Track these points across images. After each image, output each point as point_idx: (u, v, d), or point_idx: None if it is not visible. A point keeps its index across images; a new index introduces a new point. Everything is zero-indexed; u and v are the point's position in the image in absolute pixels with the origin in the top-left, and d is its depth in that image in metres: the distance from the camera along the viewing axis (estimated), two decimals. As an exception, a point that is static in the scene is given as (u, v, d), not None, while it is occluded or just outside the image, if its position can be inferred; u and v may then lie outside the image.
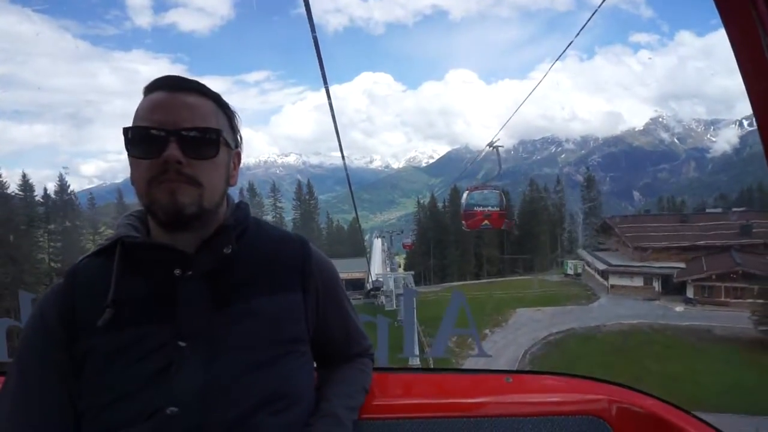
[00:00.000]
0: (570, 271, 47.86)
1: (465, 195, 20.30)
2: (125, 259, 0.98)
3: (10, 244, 36.15)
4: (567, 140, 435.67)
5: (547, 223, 68.04)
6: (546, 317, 32.36)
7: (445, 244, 65.44)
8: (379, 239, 44.09)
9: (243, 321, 0.98)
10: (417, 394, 1.42)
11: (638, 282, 36.84)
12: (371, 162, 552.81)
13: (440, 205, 76.29)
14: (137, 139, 0.93)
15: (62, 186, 47.50)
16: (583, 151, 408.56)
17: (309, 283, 1.09)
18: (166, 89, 0.96)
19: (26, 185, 43.54)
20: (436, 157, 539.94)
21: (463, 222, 20.01)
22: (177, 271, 0.96)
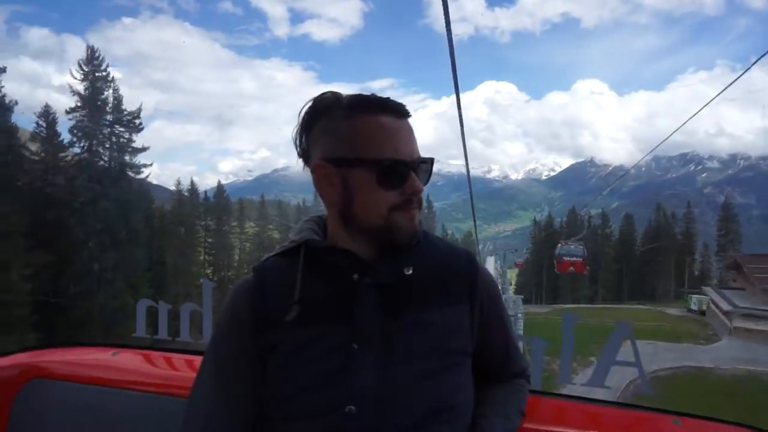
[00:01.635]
0: (694, 307, 45.50)
1: (558, 246, 27.57)
2: (308, 260, 1.04)
3: (182, 239, 43.66)
4: (710, 158, 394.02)
5: (674, 252, 64.17)
6: (658, 351, 31.83)
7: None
8: (492, 257, 45.63)
9: (415, 330, 1.00)
10: (571, 424, 1.35)
11: (765, 326, 34.77)
12: (489, 172, 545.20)
13: (559, 220, 75.21)
14: (388, 169, 0.98)
15: (220, 188, 55.47)
16: (730, 171, 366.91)
17: (476, 296, 1.09)
18: (392, 114, 1.01)
19: (193, 188, 51.62)
20: (558, 170, 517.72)
21: (555, 264, 27.54)
22: (355, 276, 1.01)
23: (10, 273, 20.87)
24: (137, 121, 30.78)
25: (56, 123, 29.68)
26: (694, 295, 47.72)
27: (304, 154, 1.07)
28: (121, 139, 30.23)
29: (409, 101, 1.09)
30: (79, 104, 29.39)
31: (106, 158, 29.83)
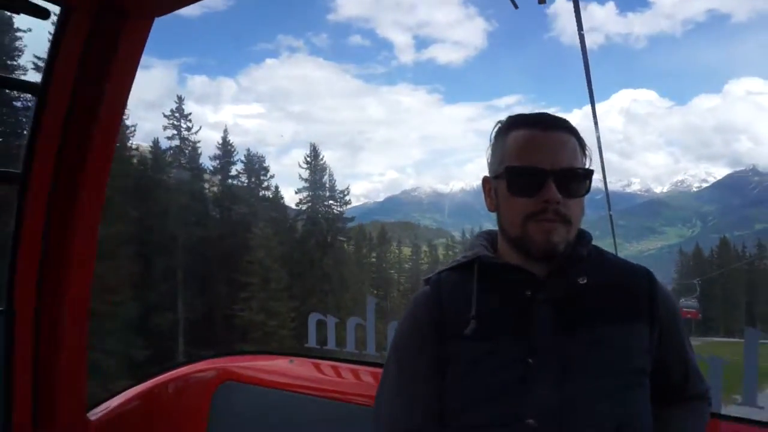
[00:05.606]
0: None
1: (680, 301, 38.84)
2: (480, 275, 1.07)
3: (353, 273, 53.63)
4: None
5: None
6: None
7: (712, 296, 62.74)
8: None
9: (591, 347, 1.01)
10: None
11: None
12: (628, 185, 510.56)
13: (715, 238, 72.29)
14: (517, 177, 1.01)
15: (383, 231, 65.07)
16: None
17: (656, 315, 1.07)
18: (540, 128, 1.02)
19: (364, 232, 61.52)
20: (712, 180, 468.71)
21: None
22: (528, 293, 1.03)
23: (281, 312, 32.67)
24: (347, 197, 41.48)
25: (283, 199, 40.87)
26: None
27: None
28: (335, 211, 40.76)
29: (537, 117, 1.14)
30: (306, 185, 40.58)
31: (324, 227, 40.39)
